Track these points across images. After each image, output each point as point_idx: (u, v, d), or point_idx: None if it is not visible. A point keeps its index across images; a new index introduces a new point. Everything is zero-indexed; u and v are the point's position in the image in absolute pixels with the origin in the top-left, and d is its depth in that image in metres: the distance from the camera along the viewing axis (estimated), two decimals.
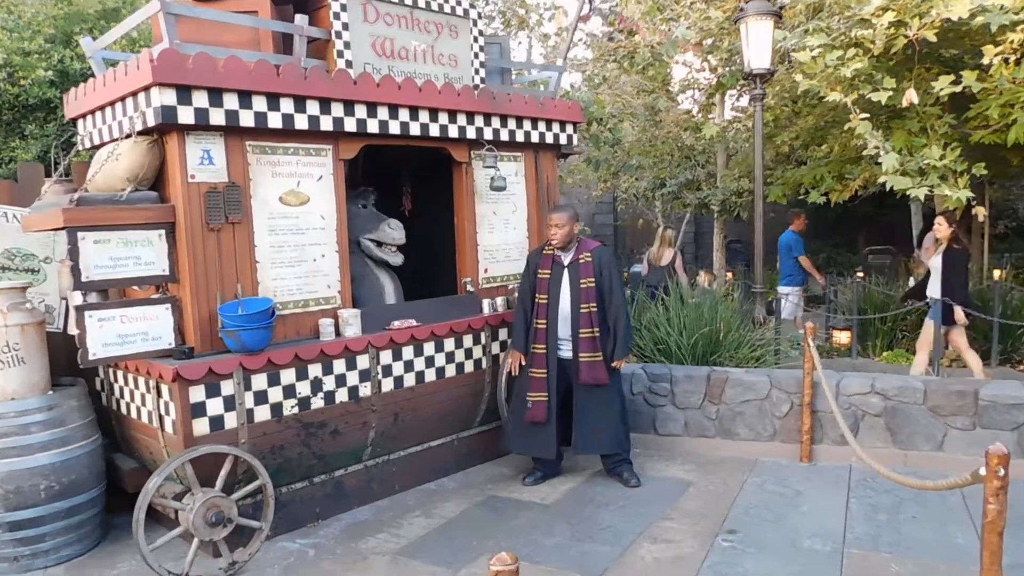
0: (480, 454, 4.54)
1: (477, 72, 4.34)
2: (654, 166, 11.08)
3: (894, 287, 7.24)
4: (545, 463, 4.19)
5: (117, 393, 3.77)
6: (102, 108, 3.57)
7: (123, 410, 3.74)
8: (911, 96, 4.73)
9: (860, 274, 9.79)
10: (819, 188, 7.11)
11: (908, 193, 4.92)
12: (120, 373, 3.68)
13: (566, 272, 4.07)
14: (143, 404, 3.51)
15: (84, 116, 3.77)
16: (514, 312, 4.26)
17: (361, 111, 3.75)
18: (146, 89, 3.18)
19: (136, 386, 3.54)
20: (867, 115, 4.86)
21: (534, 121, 4.59)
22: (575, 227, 4.10)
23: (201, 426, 3.27)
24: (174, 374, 3.16)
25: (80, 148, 3.79)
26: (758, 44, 4.96)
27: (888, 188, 4.93)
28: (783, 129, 6.94)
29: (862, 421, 4.24)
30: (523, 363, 4.10)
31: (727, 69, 6.21)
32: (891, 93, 4.81)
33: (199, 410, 3.26)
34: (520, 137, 4.52)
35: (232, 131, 3.39)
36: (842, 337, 7.04)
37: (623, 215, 15.66)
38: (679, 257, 7.26)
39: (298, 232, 3.66)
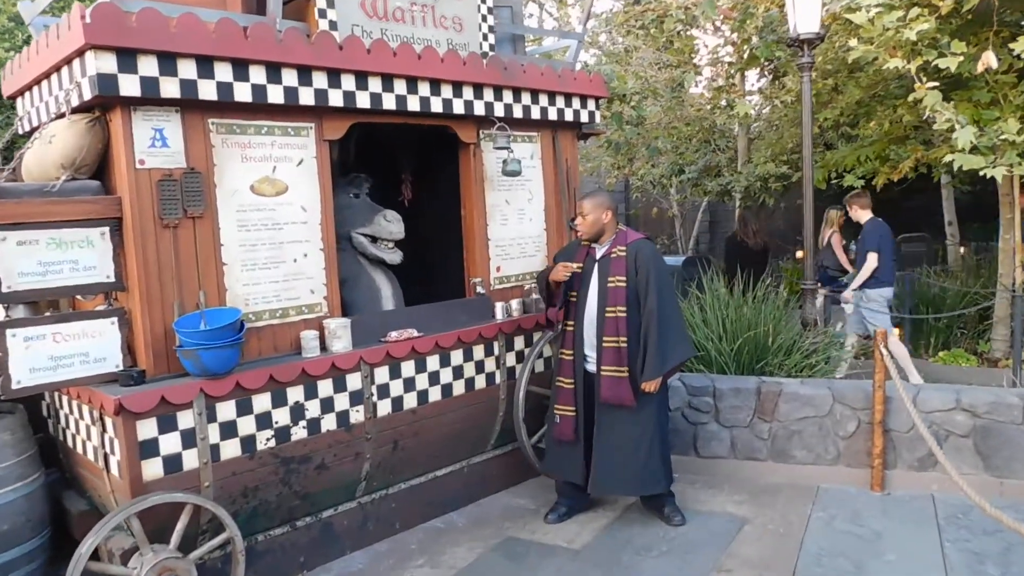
0: (495, 481, 3.93)
1: (486, 38, 3.70)
2: (674, 150, 10.41)
3: (947, 277, 6.55)
4: (571, 494, 3.57)
5: (63, 421, 3.18)
6: (38, 82, 2.97)
7: (69, 442, 3.15)
8: (989, 60, 4.05)
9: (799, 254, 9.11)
10: (856, 171, 6.45)
11: (983, 173, 4.26)
12: (64, 398, 3.08)
13: (596, 267, 3.45)
14: (88, 438, 2.92)
15: (21, 93, 3.17)
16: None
17: (349, 82, 3.12)
18: (80, 54, 2.57)
19: (80, 415, 2.95)
20: (935, 84, 4.19)
21: (552, 95, 3.95)
22: (607, 215, 3.40)
23: (153, 468, 2.67)
24: (116, 405, 2.55)
25: (19, 131, 3.20)
26: (806, 5, 4.29)
27: (925, 170, 4.27)
28: (824, 106, 6.26)
29: (945, 442, 3.59)
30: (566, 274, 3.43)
31: (762, 39, 5.55)
32: (960, 59, 4.14)
33: (150, 449, 2.66)
34: (536, 114, 3.89)
35: (191, 106, 2.78)
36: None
37: (636, 203, 14.96)
38: (836, 236, 6.61)
39: (274, 227, 3.05)
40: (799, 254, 12.81)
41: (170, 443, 2.71)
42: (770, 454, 3.94)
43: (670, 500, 3.53)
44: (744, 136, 10.07)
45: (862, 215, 5.52)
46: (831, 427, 3.81)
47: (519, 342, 3.88)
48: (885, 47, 4.05)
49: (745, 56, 6.13)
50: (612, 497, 3.74)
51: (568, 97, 4.05)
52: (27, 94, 3.11)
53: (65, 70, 2.71)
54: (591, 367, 3.44)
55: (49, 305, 2.99)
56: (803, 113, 4.26)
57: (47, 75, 2.86)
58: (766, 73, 8.09)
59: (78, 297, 2.98)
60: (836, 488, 3.75)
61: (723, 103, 6.97)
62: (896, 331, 6.21)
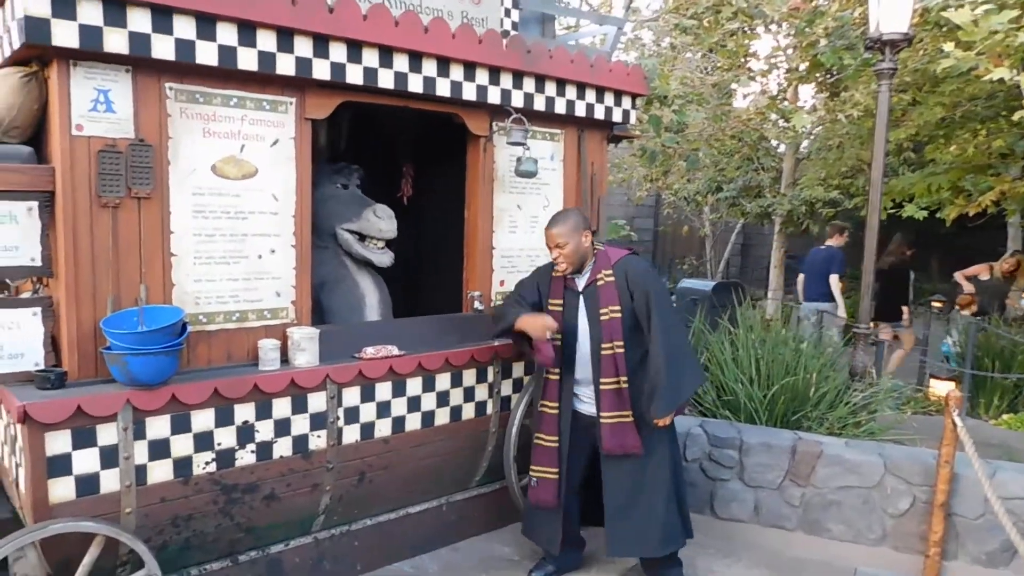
0: (475, 523, 3.45)
1: (508, 14, 3.22)
2: (714, 165, 9.78)
3: (1019, 328, 5.85)
4: (559, 555, 3.07)
5: None
6: None
7: None
8: None
9: (937, 304, 8.37)
10: (920, 200, 5.79)
11: None
12: None
13: (581, 301, 2.91)
14: (5, 442, 2.52)
15: None
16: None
17: (339, 52, 2.67)
18: None
19: (1, 415, 2.55)
20: None
21: (581, 87, 3.44)
22: (585, 237, 2.86)
23: (62, 489, 2.25)
24: (21, 412, 2.14)
25: None
26: (893, 0, 3.67)
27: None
28: (895, 124, 5.61)
29: None
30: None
31: (830, 43, 4.94)
32: None
33: (60, 466, 2.24)
34: (561, 107, 3.38)
35: (144, 65, 2.35)
36: (942, 388, 5.72)
37: (666, 220, 14.28)
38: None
39: (238, 216, 2.62)
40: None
41: (86, 461, 2.29)
42: (800, 524, 3.38)
43: (676, 568, 3.00)
44: (792, 156, 9.37)
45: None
46: (879, 501, 3.23)
47: (518, 369, 3.39)
48: (990, 54, 3.43)
49: (807, 63, 5.51)
50: (603, 560, 3.23)
51: (600, 91, 3.53)
52: None
53: (1, 14, 2.31)
54: (586, 408, 2.93)
55: None
56: (876, 128, 3.66)
57: None
58: (824, 88, 7.42)
59: (7, 280, 2.58)
60: (877, 574, 3.18)
61: (774, 116, 6.36)
62: (953, 384, 5.56)
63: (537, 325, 2.81)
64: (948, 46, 3.53)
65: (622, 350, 2.80)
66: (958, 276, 7.40)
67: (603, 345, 2.82)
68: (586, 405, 2.93)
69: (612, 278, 2.84)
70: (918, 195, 5.39)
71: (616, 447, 2.82)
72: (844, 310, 6.54)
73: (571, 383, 2.91)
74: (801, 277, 7.10)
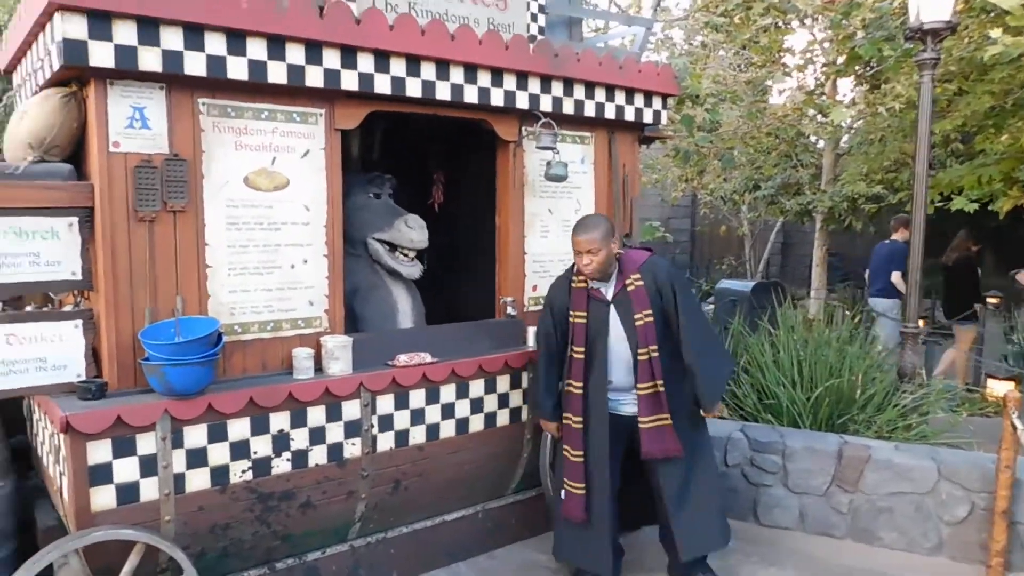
0: (512, 530, 3.41)
1: (535, 19, 3.20)
2: (750, 163, 9.56)
3: None
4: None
5: (35, 427, 2.89)
6: (23, 52, 2.68)
7: (38, 450, 2.85)
8: None
9: (993, 300, 8.01)
10: (970, 193, 5.54)
11: None
12: (35, 404, 2.79)
13: (612, 311, 2.86)
14: (50, 451, 2.60)
15: (14, 65, 2.91)
16: (538, 357, 3.05)
17: (366, 63, 2.69)
18: (48, 17, 2.24)
19: (45, 424, 2.64)
20: None
21: (610, 89, 3.40)
22: (614, 246, 2.84)
23: (103, 497, 2.31)
24: (64, 423, 2.20)
25: (8, 105, 2.94)
26: None
27: None
28: (940, 115, 5.39)
29: None
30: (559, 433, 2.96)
31: (868, 34, 4.78)
32: None
33: (101, 475, 2.29)
34: (591, 110, 3.35)
35: (177, 82, 2.41)
36: (1000, 388, 5.46)
37: (703, 220, 14.02)
38: None
39: (270, 227, 2.65)
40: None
41: (126, 470, 2.33)
42: (849, 532, 3.26)
43: (707, 566, 2.96)
44: (831, 151, 9.10)
45: None
46: (933, 508, 3.09)
47: None
48: None
49: (844, 56, 5.34)
50: (640, 561, 3.15)
51: (630, 92, 3.49)
52: (19, 66, 2.84)
53: (41, 37, 2.39)
54: (628, 409, 2.87)
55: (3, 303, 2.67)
56: (919, 120, 3.51)
57: (28, 44, 2.56)
58: (863, 81, 7.19)
59: (50, 294, 2.67)
60: None
61: (811, 112, 6.16)
62: (1012, 384, 5.31)
63: (548, 427, 3.03)
64: (995, 32, 3.37)
65: (657, 354, 2.77)
66: (1020, 277, 7.04)
67: (639, 350, 2.78)
68: (627, 407, 2.88)
69: (641, 282, 2.82)
70: (968, 187, 5.16)
71: (657, 451, 2.78)
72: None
73: (601, 392, 2.85)
74: (867, 274, 6.88)
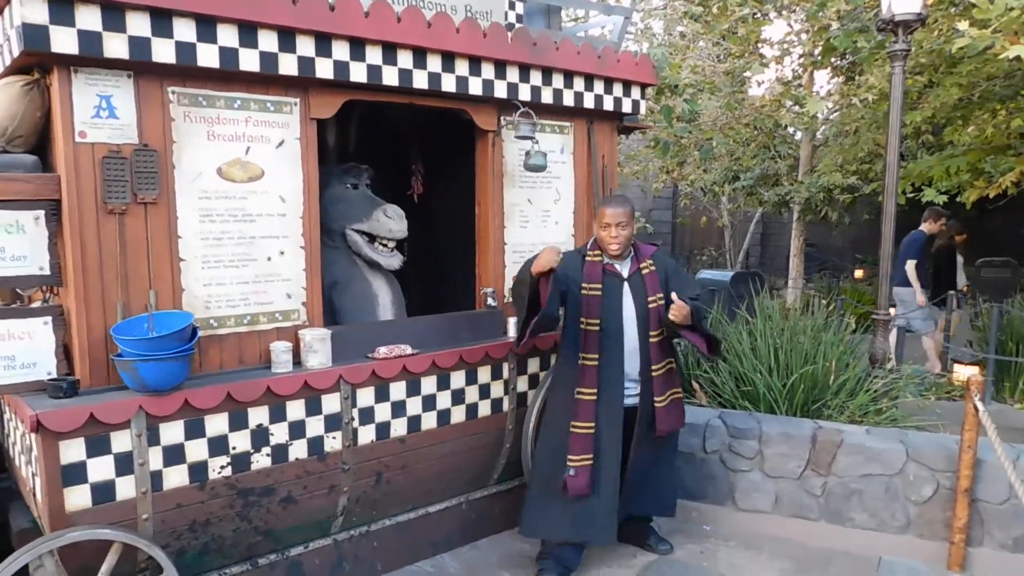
0: (496, 520, 3.42)
1: (513, 7, 3.18)
2: (729, 155, 9.65)
3: None
4: (567, 556, 3.04)
5: (6, 427, 2.81)
6: None
7: (10, 451, 2.78)
8: None
9: (965, 288, 8.21)
10: (939, 184, 5.66)
11: None
12: (3, 402, 2.71)
13: (627, 288, 2.92)
14: (22, 451, 2.53)
15: None
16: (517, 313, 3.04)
17: (342, 50, 2.64)
18: (6, 1, 2.15)
19: (16, 424, 2.56)
20: None
21: (589, 79, 3.39)
22: (634, 225, 3.01)
23: (78, 497, 2.25)
24: (34, 422, 2.14)
25: None
26: None
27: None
28: (911, 107, 5.48)
29: None
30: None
31: (843, 27, 4.82)
32: None
33: (75, 474, 2.24)
34: (569, 100, 3.33)
35: (145, 69, 2.34)
36: (965, 373, 5.60)
37: (684, 212, 14.14)
38: None
39: (245, 219, 2.60)
40: (858, 273, 11.79)
41: (100, 468, 2.28)
42: (823, 514, 3.32)
43: (653, 529, 3.27)
44: (808, 143, 9.21)
45: None
46: (901, 489, 3.16)
47: (533, 364, 3.35)
48: (1006, 32, 3.33)
49: (820, 48, 5.39)
50: (617, 554, 3.19)
51: (608, 82, 3.48)
52: None
53: (0, 22, 2.30)
54: (630, 400, 2.92)
55: None
56: (891, 110, 3.56)
57: None
58: (839, 72, 7.26)
59: (18, 290, 2.58)
60: (902, 563, 3.11)
61: (788, 103, 6.21)
62: (976, 369, 5.45)
63: (543, 255, 2.73)
64: (963, 25, 3.42)
65: (664, 336, 2.94)
66: None
67: (651, 333, 2.90)
68: (628, 399, 2.92)
69: (654, 268, 2.96)
70: (936, 178, 5.25)
71: (671, 425, 2.98)
72: (921, 295, 6.32)
73: (617, 365, 2.88)
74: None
